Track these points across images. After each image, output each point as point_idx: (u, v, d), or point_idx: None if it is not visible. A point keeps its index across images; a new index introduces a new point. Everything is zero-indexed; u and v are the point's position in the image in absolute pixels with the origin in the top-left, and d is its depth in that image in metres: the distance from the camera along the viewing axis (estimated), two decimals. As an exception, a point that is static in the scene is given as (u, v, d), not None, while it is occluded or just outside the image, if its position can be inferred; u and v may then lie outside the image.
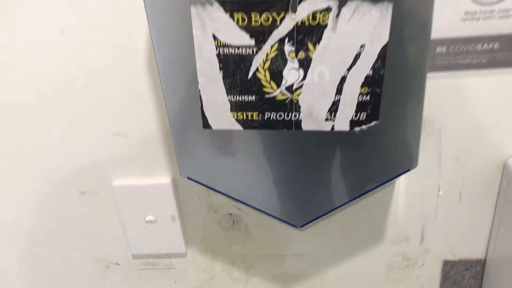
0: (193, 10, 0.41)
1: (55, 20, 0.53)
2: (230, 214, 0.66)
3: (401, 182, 0.62)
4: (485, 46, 0.52)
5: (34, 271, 0.73)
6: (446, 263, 0.69)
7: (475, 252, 0.67)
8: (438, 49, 0.53)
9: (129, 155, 0.61)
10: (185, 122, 0.46)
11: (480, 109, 0.56)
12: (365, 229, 0.67)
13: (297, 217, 0.51)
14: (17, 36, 0.54)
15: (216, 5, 0.40)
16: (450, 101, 0.56)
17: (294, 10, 0.40)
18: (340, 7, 0.40)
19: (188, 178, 0.50)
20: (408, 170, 0.49)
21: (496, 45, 0.52)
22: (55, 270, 0.72)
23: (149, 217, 0.65)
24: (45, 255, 0.71)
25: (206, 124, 0.46)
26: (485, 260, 0.68)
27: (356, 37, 0.41)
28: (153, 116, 0.58)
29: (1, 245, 0.70)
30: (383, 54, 0.42)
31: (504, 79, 0.54)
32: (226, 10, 0.41)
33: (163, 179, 0.62)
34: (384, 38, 0.41)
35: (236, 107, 0.45)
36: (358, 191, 0.49)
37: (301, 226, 0.52)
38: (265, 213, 0.51)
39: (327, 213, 0.51)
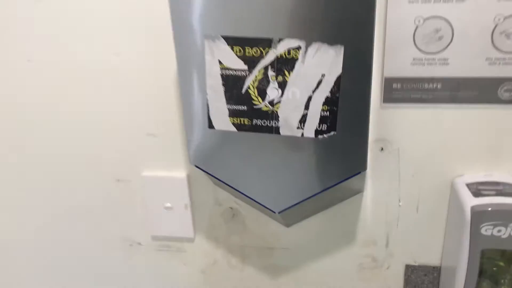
0: (206, 43, 0.59)
1: (111, 44, 0.73)
2: (231, 208, 0.82)
3: (368, 191, 0.77)
4: (430, 85, 0.68)
5: (69, 244, 0.90)
6: (408, 267, 0.82)
7: (432, 259, 0.80)
8: (394, 85, 0.69)
9: (157, 152, 0.79)
10: (195, 123, 0.64)
11: (430, 135, 0.71)
12: (340, 231, 0.81)
13: (277, 204, 0.67)
14: (81, 54, 0.74)
15: (222, 40, 0.59)
16: (406, 127, 0.71)
17: (275, 47, 0.58)
18: (307, 46, 0.57)
19: (195, 166, 0.68)
20: (359, 172, 0.64)
21: (439, 85, 0.68)
22: (87, 244, 0.90)
23: (168, 204, 0.82)
24: (80, 230, 0.89)
25: (210, 125, 0.64)
26: (440, 267, 0.81)
27: (318, 68, 0.58)
28: (176, 123, 0.76)
29: (43, 219, 0.89)
30: (338, 81, 0.59)
31: (448, 112, 0.69)
32: (228, 44, 0.59)
33: (180, 173, 0.80)
34: (338, 70, 0.58)
35: (232, 114, 0.63)
36: (322, 186, 0.65)
37: (279, 212, 0.68)
38: (250, 198, 0.68)
39: (300, 202, 0.66)
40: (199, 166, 0.67)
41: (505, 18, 0.63)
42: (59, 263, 0.93)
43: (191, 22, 0.59)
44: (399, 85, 0.69)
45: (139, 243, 0.88)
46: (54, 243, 0.91)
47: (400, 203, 0.77)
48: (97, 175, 0.83)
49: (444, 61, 0.66)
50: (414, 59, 0.67)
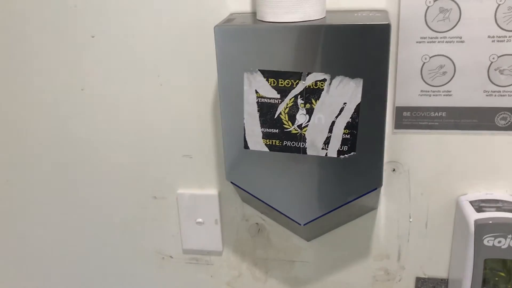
0: (245, 75, 0.70)
1: (157, 76, 0.83)
2: (257, 224, 0.91)
3: (382, 208, 0.86)
4: (436, 113, 0.78)
5: (105, 257, 0.99)
6: (418, 280, 0.90)
7: (440, 271, 0.88)
8: (405, 114, 0.79)
9: (191, 172, 0.89)
10: (232, 144, 0.74)
11: (437, 158, 0.81)
12: (356, 246, 0.89)
13: (302, 217, 0.76)
14: (130, 84, 0.84)
15: (259, 73, 0.69)
16: (415, 150, 0.81)
17: (304, 79, 0.68)
18: (331, 79, 0.68)
19: (231, 182, 0.77)
20: (376, 188, 0.73)
21: (444, 114, 0.78)
22: (122, 257, 0.98)
23: (199, 219, 0.91)
24: (116, 243, 0.97)
25: (246, 146, 0.74)
26: (447, 279, 0.89)
27: (341, 97, 0.69)
28: (210, 146, 0.86)
29: (83, 232, 0.97)
30: (357, 109, 0.69)
31: (452, 138, 0.79)
32: (264, 76, 0.69)
33: (212, 191, 0.89)
34: (358, 99, 0.68)
35: (266, 136, 0.72)
36: (343, 200, 0.74)
37: (304, 224, 0.77)
38: (279, 211, 0.76)
39: (323, 215, 0.75)
40: (234, 182, 0.77)
41: (499, 57, 0.73)
42: (93, 275, 1.01)
43: (233, 58, 0.69)
44: (408, 114, 0.79)
45: (171, 256, 0.97)
46: (90, 255, 0.99)
47: (411, 220, 0.85)
48: (136, 192, 0.92)
49: (448, 93, 0.76)
50: (421, 91, 0.77)
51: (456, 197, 0.83)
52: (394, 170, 0.83)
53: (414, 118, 0.79)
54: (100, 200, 0.94)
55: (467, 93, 0.76)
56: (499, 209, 0.78)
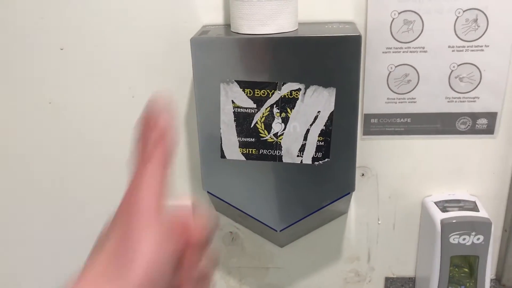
0: (221, 85, 0.71)
1: (128, 88, 0.83)
2: (231, 232, 0.92)
3: (352, 212, 0.89)
4: (402, 120, 0.82)
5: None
6: (387, 280, 0.93)
7: (408, 271, 0.92)
8: (372, 120, 0.82)
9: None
10: (209, 153, 0.74)
11: (403, 162, 0.85)
12: (327, 249, 0.92)
13: (278, 223, 0.78)
14: (98, 97, 0.84)
15: (235, 84, 0.71)
16: (382, 155, 0.84)
17: (280, 89, 0.70)
18: (306, 88, 0.70)
19: (208, 192, 0.78)
20: (349, 193, 0.76)
21: (409, 120, 0.82)
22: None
23: (173, 230, 0.90)
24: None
25: (223, 155, 0.75)
26: (415, 277, 0.93)
27: (315, 106, 0.71)
28: (184, 157, 0.86)
29: (46, 250, 0.95)
30: (331, 117, 0.71)
31: (417, 142, 0.83)
32: (240, 87, 0.71)
33: (185, 201, 0.89)
34: (331, 107, 0.71)
35: (242, 145, 0.74)
36: (318, 205, 0.76)
37: (280, 231, 0.78)
38: (255, 219, 0.78)
39: (299, 221, 0.77)
40: (211, 192, 0.77)
41: (458, 65, 0.78)
42: None
43: (209, 69, 0.70)
44: (376, 120, 0.82)
45: (143, 269, 0.96)
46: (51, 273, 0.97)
47: (379, 222, 0.89)
48: (107, 206, 0.91)
49: (412, 100, 0.81)
50: (388, 98, 0.81)
51: (422, 199, 0.87)
52: (363, 174, 0.86)
53: (381, 125, 0.83)
54: (71, 216, 0.92)
55: (430, 100, 0.80)
56: (461, 208, 0.82)
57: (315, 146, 0.73)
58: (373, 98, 0.81)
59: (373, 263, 0.92)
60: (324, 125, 0.72)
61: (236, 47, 0.69)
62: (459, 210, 0.82)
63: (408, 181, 0.86)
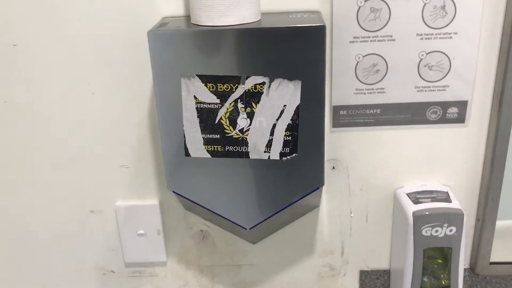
0: (182, 80, 0.68)
1: (88, 84, 0.79)
2: (201, 231, 0.89)
3: (324, 206, 0.87)
4: (371, 111, 0.80)
5: (42, 274, 0.93)
6: (362, 273, 0.92)
7: (382, 263, 0.91)
8: (341, 112, 0.80)
9: (130, 182, 0.85)
10: (173, 152, 0.71)
11: (374, 154, 0.83)
12: (300, 244, 0.90)
13: (248, 221, 0.75)
14: (56, 93, 0.80)
15: (197, 78, 0.68)
16: (353, 147, 0.82)
17: (244, 83, 0.68)
18: (270, 82, 0.67)
19: (173, 191, 0.75)
20: (318, 188, 0.74)
21: (378, 111, 0.80)
22: (60, 274, 0.93)
23: (141, 231, 0.88)
24: (53, 261, 0.92)
25: (187, 153, 0.72)
26: (389, 270, 0.92)
27: (281, 100, 0.68)
28: (148, 155, 0.83)
29: (16, 249, 0.91)
30: (297, 110, 0.69)
31: (387, 133, 0.81)
32: (202, 81, 0.68)
33: (153, 201, 0.86)
34: (297, 101, 0.68)
35: (207, 142, 0.71)
36: (288, 201, 0.74)
37: (250, 228, 0.76)
38: (224, 217, 0.75)
39: (268, 218, 0.75)
40: (176, 191, 0.74)
41: (427, 53, 0.76)
42: (31, 297, 0.95)
43: (169, 63, 0.67)
44: (345, 112, 0.80)
45: (112, 271, 0.93)
46: (26, 273, 0.93)
47: (352, 215, 0.87)
48: (71, 207, 0.87)
49: (381, 90, 0.79)
50: (356, 89, 0.79)
51: (394, 190, 0.85)
52: (333, 167, 0.84)
53: (351, 116, 0.81)
54: (33, 218, 0.88)
55: (399, 90, 0.78)
56: (434, 199, 0.81)
57: (282, 141, 0.71)
58: (342, 89, 0.79)
59: (347, 256, 0.91)
60: (291, 119, 0.70)
61: (196, 40, 0.66)
62: (431, 201, 0.81)
63: (379, 173, 0.84)
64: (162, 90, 0.69)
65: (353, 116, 0.80)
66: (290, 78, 0.67)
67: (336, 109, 0.80)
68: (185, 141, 0.71)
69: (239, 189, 0.74)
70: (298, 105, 0.69)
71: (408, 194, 0.83)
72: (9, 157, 0.84)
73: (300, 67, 0.67)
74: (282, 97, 0.68)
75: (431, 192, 0.83)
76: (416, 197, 0.82)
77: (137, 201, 0.86)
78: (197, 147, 0.71)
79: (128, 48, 0.76)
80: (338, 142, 0.82)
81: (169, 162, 0.73)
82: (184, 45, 0.66)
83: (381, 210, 0.87)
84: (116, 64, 0.77)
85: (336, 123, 0.81)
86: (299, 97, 0.68)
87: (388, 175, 0.84)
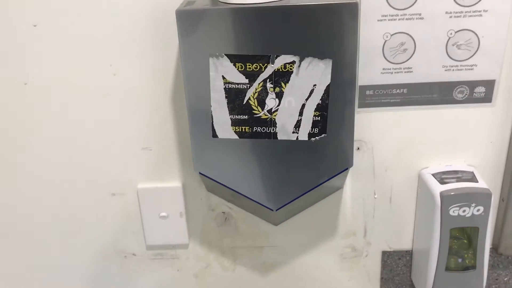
0: (211, 60, 0.66)
1: (110, 65, 0.78)
2: (224, 212, 0.89)
3: (347, 187, 0.86)
4: (398, 90, 0.79)
5: (66, 258, 0.93)
6: (384, 254, 0.92)
7: (405, 244, 0.91)
8: (368, 92, 0.79)
9: (152, 164, 0.84)
10: (200, 133, 0.71)
11: (399, 134, 0.82)
12: (323, 226, 0.90)
13: (274, 202, 0.75)
14: (78, 74, 0.78)
15: (225, 58, 0.66)
16: (378, 128, 0.82)
17: (273, 62, 0.66)
18: (300, 61, 0.66)
19: (200, 173, 0.74)
20: (347, 169, 0.74)
21: (405, 90, 0.79)
22: (83, 257, 0.93)
23: (163, 213, 0.87)
24: (74, 244, 0.91)
25: (214, 135, 0.71)
26: (412, 250, 0.91)
27: (310, 79, 0.67)
28: (171, 137, 0.82)
29: (42, 232, 0.91)
30: (327, 90, 0.68)
31: (413, 113, 0.80)
32: (231, 61, 0.66)
33: (175, 183, 0.86)
34: (327, 80, 0.67)
35: (235, 123, 0.70)
36: (315, 183, 0.73)
37: (277, 210, 0.75)
38: (253, 200, 0.75)
39: (296, 199, 0.74)
40: (203, 173, 0.74)
41: (456, 32, 0.75)
42: (53, 276, 0.94)
43: (197, 43, 0.66)
44: (371, 92, 0.79)
45: (134, 254, 0.92)
46: (46, 256, 0.93)
47: (376, 196, 0.87)
48: (92, 190, 0.87)
49: (409, 70, 0.77)
50: (383, 69, 0.77)
51: (418, 171, 0.85)
52: (358, 148, 0.83)
53: (377, 96, 0.79)
54: (54, 201, 0.88)
55: (426, 69, 0.77)
56: (459, 179, 0.81)
57: (311, 121, 0.70)
58: (368, 69, 0.77)
59: (369, 237, 0.90)
60: (321, 99, 0.69)
61: (225, 19, 0.65)
62: (457, 181, 0.80)
63: (404, 154, 0.83)
64: (190, 70, 0.68)
65: (380, 96, 0.79)
66: (321, 56, 0.66)
67: (362, 89, 0.79)
68: (212, 122, 0.70)
69: (266, 170, 0.73)
70: (329, 85, 0.68)
71: (433, 175, 0.82)
72: (29, 139, 0.83)
73: (331, 45, 0.66)
74: (312, 76, 0.67)
75: (456, 172, 0.82)
76: (441, 177, 0.81)
77: (159, 184, 0.86)
78: (225, 128, 0.70)
79: (152, 27, 0.74)
80: (363, 123, 0.81)
81: (196, 143, 0.72)
82: (212, 24, 0.65)
83: (405, 191, 0.86)
84: (139, 44, 0.76)
85: (362, 103, 0.80)
86: (330, 76, 0.67)
87: (413, 156, 0.84)
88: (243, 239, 0.91)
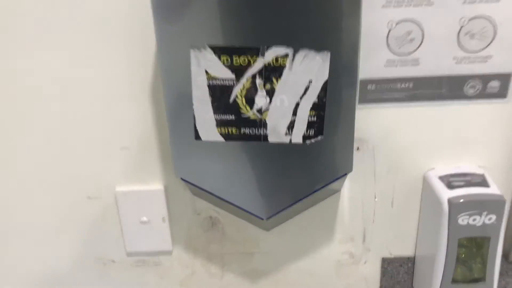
0: (192, 53, 0.58)
1: (85, 58, 0.69)
2: (211, 217, 0.81)
3: (345, 190, 0.79)
4: (403, 85, 0.71)
5: (41, 267, 0.85)
6: (384, 260, 0.85)
7: (407, 250, 0.84)
8: (369, 87, 0.71)
9: (131, 165, 0.76)
10: (181, 135, 0.62)
11: (403, 133, 0.74)
12: (319, 231, 0.83)
13: (265, 211, 0.67)
14: (48, 65, 0.70)
15: (209, 50, 0.58)
16: (380, 126, 0.74)
17: (263, 55, 0.58)
18: (294, 54, 0.58)
19: (181, 179, 0.66)
20: (345, 174, 0.66)
21: (411, 85, 0.71)
22: (59, 266, 0.85)
23: (144, 218, 0.79)
24: (52, 253, 0.84)
25: (197, 136, 0.63)
26: (414, 257, 0.85)
27: (306, 75, 0.59)
28: (152, 135, 0.74)
29: (15, 240, 0.83)
30: (325, 87, 0.60)
31: (419, 110, 0.73)
32: (215, 54, 0.58)
33: (157, 186, 0.78)
34: (325, 76, 0.59)
35: (220, 124, 0.62)
36: (310, 189, 0.66)
37: (267, 219, 0.68)
38: (240, 207, 0.67)
39: (288, 207, 0.67)
40: (185, 179, 0.66)
41: (469, 19, 0.66)
42: (30, 285, 0.87)
43: (176, 33, 0.57)
44: (373, 86, 0.71)
45: (113, 261, 0.85)
46: (22, 265, 0.85)
47: (376, 199, 0.79)
48: (67, 193, 0.79)
49: (415, 62, 0.69)
50: (387, 60, 0.69)
51: (423, 173, 0.77)
52: (358, 148, 0.76)
53: (380, 91, 0.71)
54: (26, 206, 0.80)
55: (436, 61, 0.69)
56: (468, 183, 0.73)
57: (306, 122, 0.62)
58: (371, 61, 0.69)
59: (368, 243, 0.83)
60: (317, 97, 0.61)
61: (208, 5, 0.56)
62: (466, 185, 0.73)
63: (408, 154, 0.76)
64: (169, 64, 0.59)
65: (382, 91, 0.71)
66: (318, 49, 0.58)
67: (363, 83, 0.71)
68: (195, 122, 0.62)
69: (256, 176, 0.65)
70: (326, 81, 0.59)
71: (440, 177, 0.75)
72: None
73: (330, 36, 0.57)
74: (307, 71, 0.59)
75: (465, 175, 0.75)
76: (449, 180, 0.74)
77: (139, 186, 0.78)
78: (209, 130, 0.62)
79: (128, 17, 0.66)
80: (364, 120, 0.73)
81: (176, 146, 0.64)
82: (193, 11, 0.56)
83: (408, 193, 0.79)
84: (114, 34, 0.67)
85: (363, 99, 0.72)
86: (328, 71, 0.59)
87: (418, 156, 0.76)
88: (232, 244, 0.84)
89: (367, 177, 0.78)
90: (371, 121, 0.74)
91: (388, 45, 0.68)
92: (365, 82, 0.71)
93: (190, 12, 0.56)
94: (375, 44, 0.68)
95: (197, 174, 0.66)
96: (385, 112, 0.73)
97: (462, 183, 0.73)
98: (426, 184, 0.77)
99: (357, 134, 0.74)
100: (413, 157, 0.76)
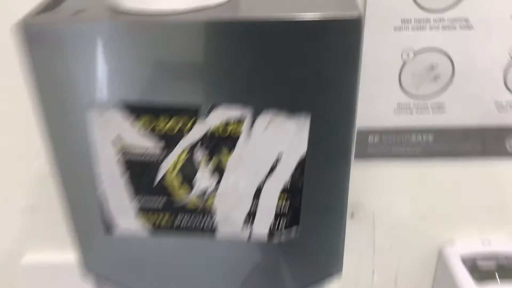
0: (93, 113, 0.36)
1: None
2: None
3: (334, 266, 0.59)
4: (420, 137, 0.50)
5: None
6: None
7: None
8: (371, 139, 0.50)
9: (39, 228, 0.56)
10: (86, 228, 0.42)
11: (414, 198, 0.54)
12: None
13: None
14: None
15: (118, 108, 0.36)
16: (384, 187, 0.54)
17: (204, 118, 0.36)
18: (254, 116, 0.36)
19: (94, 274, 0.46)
20: (333, 275, 0.46)
21: (431, 137, 0.50)
22: None
23: (63, 296, 0.59)
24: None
25: (108, 231, 0.42)
26: None
27: (273, 146, 0.38)
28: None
29: None
30: (301, 164, 0.39)
31: (439, 171, 0.52)
32: (130, 114, 0.36)
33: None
34: (302, 149, 0.38)
35: (142, 211, 0.41)
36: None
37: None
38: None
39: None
40: (100, 274, 0.45)
41: (523, 49, 0.45)
42: None
43: (66, 81, 0.35)
44: (377, 138, 0.50)
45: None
46: None
47: (375, 279, 0.60)
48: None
49: (440, 107, 0.48)
50: (399, 104, 0.48)
51: (439, 247, 0.57)
52: (352, 214, 0.55)
53: (385, 145, 0.50)
54: None
55: (469, 107, 0.48)
56: (500, 268, 0.53)
57: (274, 209, 0.41)
58: (375, 104, 0.48)
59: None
60: (291, 176, 0.39)
61: (118, 39, 0.34)
62: (497, 270, 0.53)
63: (420, 224, 0.56)
64: (57, 129, 0.37)
65: (389, 145, 0.50)
66: (292, 109, 0.36)
67: (362, 135, 0.50)
68: (103, 213, 0.41)
69: (197, 284, 0.45)
70: (305, 155, 0.38)
71: (463, 256, 0.55)
72: None
73: (311, 89, 0.36)
74: (275, 141, 0.38)
75: (496, 255, 0.55)
76: (474, 261, 0.54)
77: (53, 255, 0.58)
78: (126, 221, 0.41)
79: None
80: (362, 180, 0.53)
81: (82, 243, 0.43)
82: (95, 49, 0.34)
83: (417, 272, 0.59)
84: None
85: (360, 153, 0.51)
86: (307, 140, 0.38)
87: (432, 226, 0.56)
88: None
89: (364, 250, 0.58)
90: (372, 180, 0.53)
91: (400, 83, 0.47)
92: (365, 133, 0.50)
93: (88, 52, 0.34)
94: (382, 81, 0.47)
95: (115, 275, 0.45)
96: (392, 171, 0.52)
97: (492, 266, 0.54)
98: (442, 263, 0.57)
99: (351, 196, 0.53)
100: (426, 229, 0.56)
